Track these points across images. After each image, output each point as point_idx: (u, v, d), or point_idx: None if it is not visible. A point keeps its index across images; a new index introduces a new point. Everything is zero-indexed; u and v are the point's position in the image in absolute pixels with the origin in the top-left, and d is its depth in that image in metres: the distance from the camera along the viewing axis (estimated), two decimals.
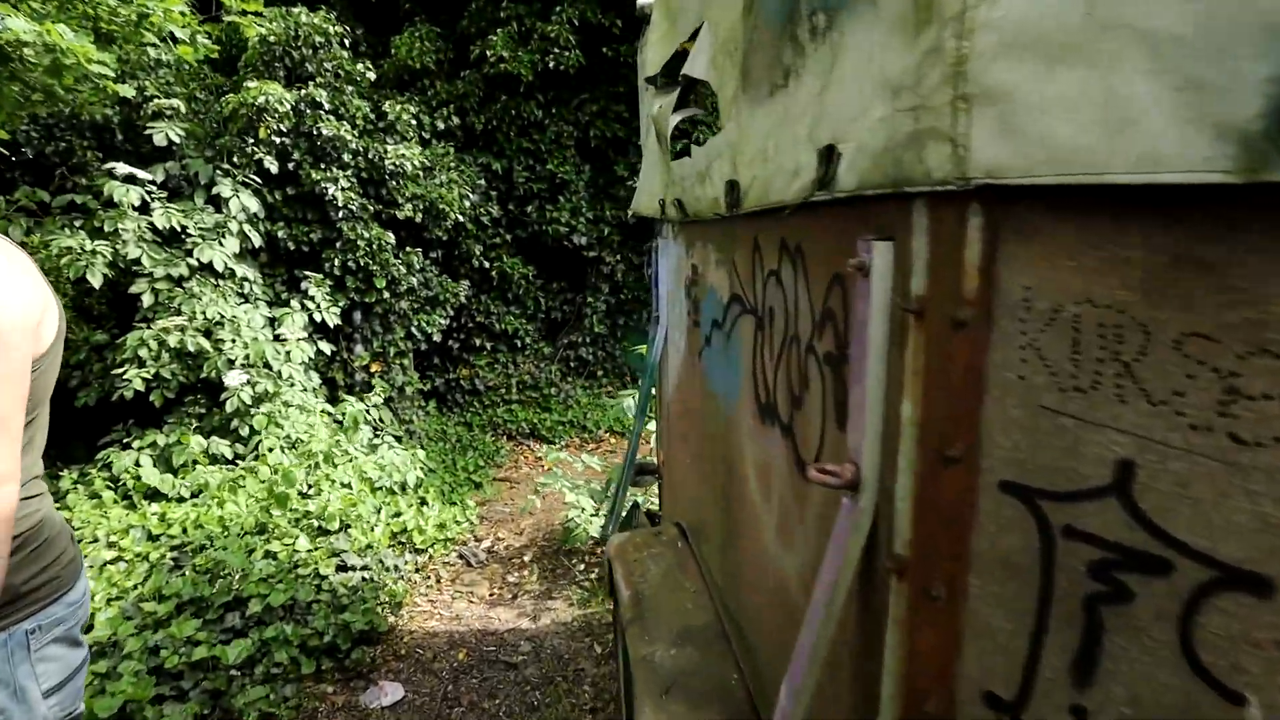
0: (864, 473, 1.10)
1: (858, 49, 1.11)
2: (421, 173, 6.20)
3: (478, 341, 7.34)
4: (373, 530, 4.15)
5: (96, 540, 3.77)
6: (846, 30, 1.15)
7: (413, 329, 6.34)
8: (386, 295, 6.00)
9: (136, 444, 4.58)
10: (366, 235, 5.78)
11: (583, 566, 4.23)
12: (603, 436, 6.83)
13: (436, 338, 6.55)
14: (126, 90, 4.33)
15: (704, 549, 2.49)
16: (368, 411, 5.39)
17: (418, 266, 6.21)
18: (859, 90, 1.09)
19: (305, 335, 5.21)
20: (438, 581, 4.10)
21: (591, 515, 4.05)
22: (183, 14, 4.01)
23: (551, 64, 7.13)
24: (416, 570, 4.11)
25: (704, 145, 2.10)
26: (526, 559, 4.40)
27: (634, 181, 7.66)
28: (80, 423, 4.83)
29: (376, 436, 5.31)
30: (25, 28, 3.35)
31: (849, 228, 1.19)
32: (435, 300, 6.58)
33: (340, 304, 5.71)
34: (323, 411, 5.25)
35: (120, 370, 4.59)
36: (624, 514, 3.47)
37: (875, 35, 1.06)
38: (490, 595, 3.98)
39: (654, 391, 3.45)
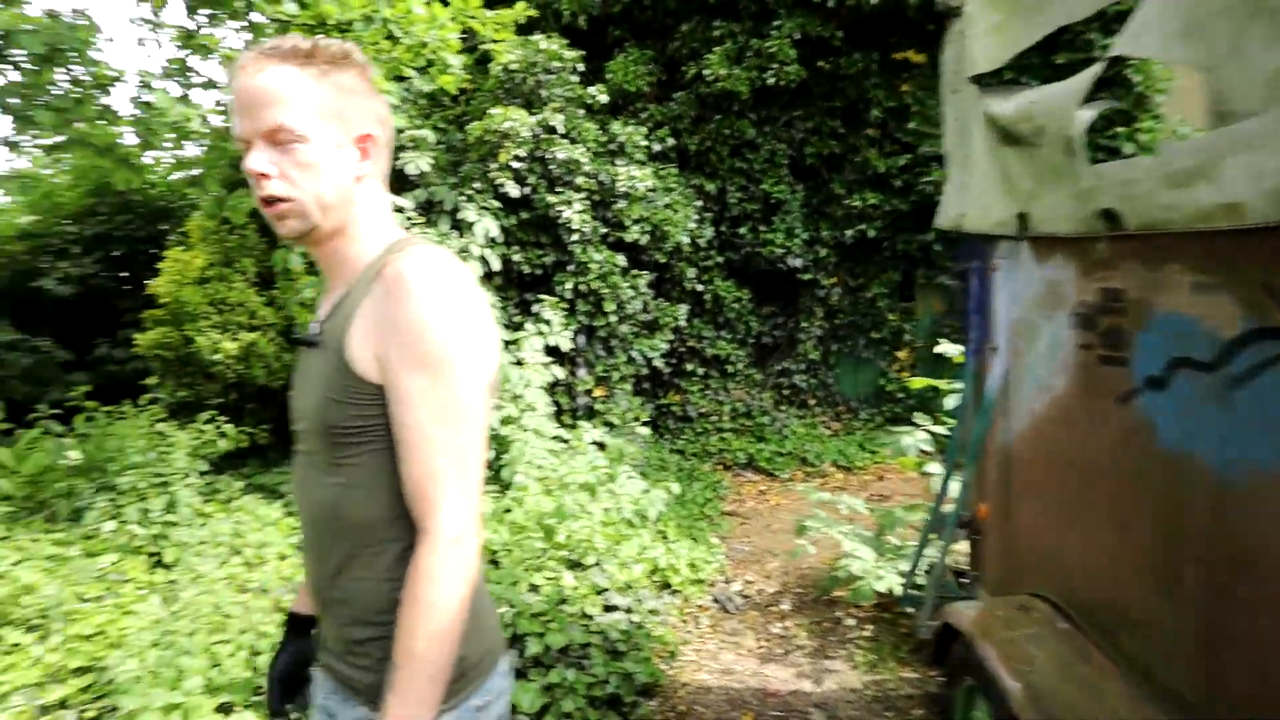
0: None
1: None
2: (650, 194, 6.09)
3: (689, 367, 7.12)
4: (626, 567, 3.93)
5: None
6: None
7: (633, 353, 6.20)
8: (612, 319, 5.90)
9: None
10: (598, 258, 5.71)
11: (853, 622, 3.81)
12: (827, 470, 6.37)
13: (657, 363, 6.38)
14: (401, 121, 4.46)
15: (1125, 639, 2.02)
16: (611, 438, 5.25)
17: (643, 290, 6.08)
18: None
19: (545, 360, 5.18)
20: (697, 627, 3.82)
21: (876, 568, 3.62)
22: (459, 40, 4.06)
23: (770, 80, 6.85)
24: (679, 613, 3.85)
25: (1189, 140, 1.67)
26: (785, 607, 4.03)
27: (851, 200, 7.20)
28: None
29: (613, 465, 5.16)
30: None
31: None
32: (654, 324, 6.43)
33: (571, 327, 5.66)
34: (555, 436, 5.18)
35: None
36: (937, 573, 3.03)
37: None
38: (759, 648, 3.64)
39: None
